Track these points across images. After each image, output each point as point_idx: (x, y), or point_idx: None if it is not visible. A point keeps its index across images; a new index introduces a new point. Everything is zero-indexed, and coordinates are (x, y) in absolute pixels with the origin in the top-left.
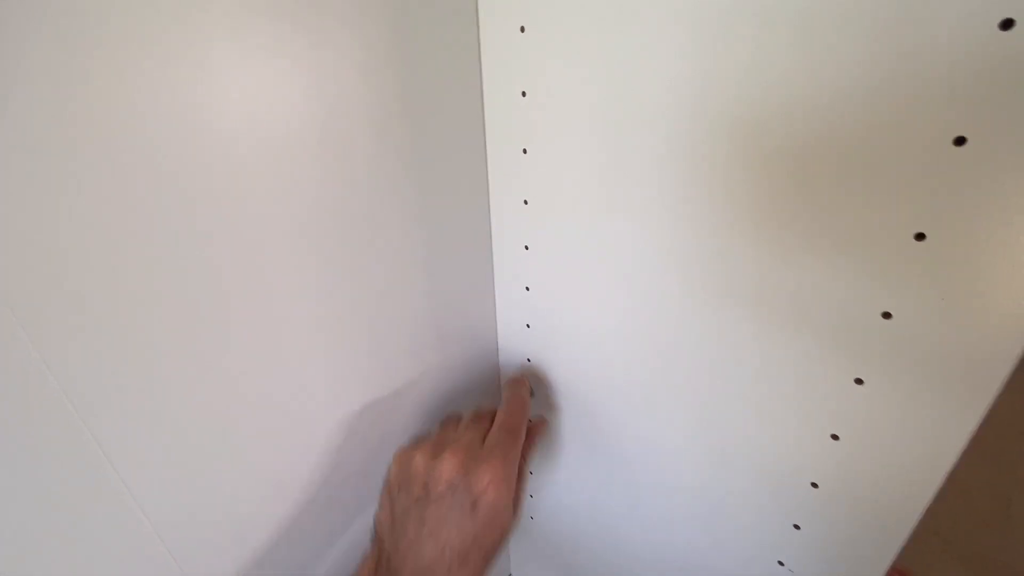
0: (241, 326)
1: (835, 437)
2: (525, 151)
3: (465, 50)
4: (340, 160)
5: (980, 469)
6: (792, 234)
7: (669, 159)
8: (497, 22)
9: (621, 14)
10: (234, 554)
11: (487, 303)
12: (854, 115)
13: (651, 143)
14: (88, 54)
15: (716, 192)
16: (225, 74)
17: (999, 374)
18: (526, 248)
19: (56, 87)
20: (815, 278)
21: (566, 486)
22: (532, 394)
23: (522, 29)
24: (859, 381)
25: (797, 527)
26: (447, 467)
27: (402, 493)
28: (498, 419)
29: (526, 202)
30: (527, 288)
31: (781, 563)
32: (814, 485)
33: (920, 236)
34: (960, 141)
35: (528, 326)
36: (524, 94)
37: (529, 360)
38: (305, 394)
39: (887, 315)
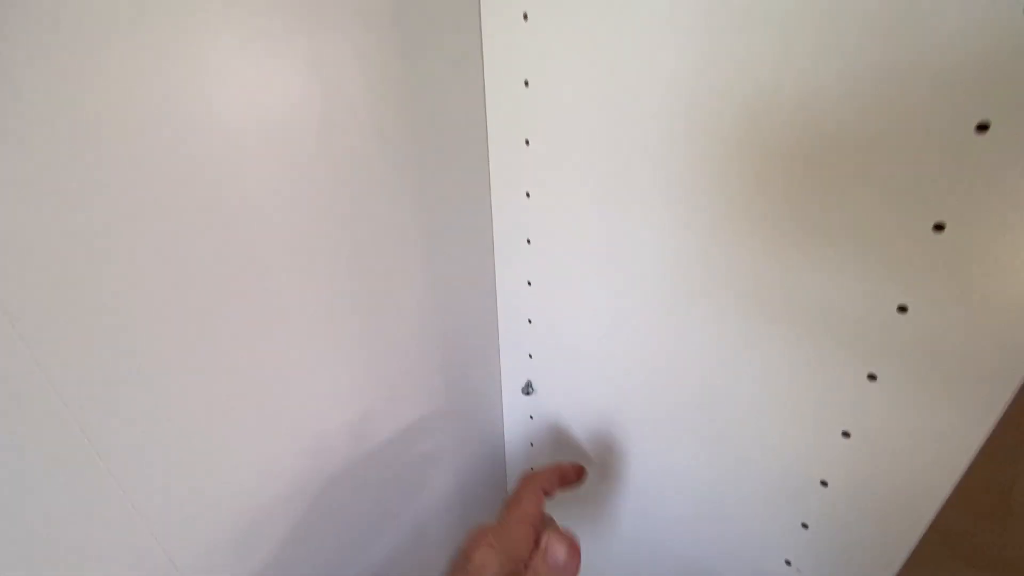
0: (241, 326)
1: (846, 434)
2: (527, 142)
3: (466, 38)
4: (339, 152)
5: (979, 463)
6: (804, 225)
7: (677, 147)
8: (499, 8)
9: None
10: (231, 559)
11: (488, 298)
12: (869, 101)
13: (657, 132)
14: (80, 65)
15: (728, 183)
16: (225, 65)
17: (1019, 371)
18: (528, 242)
19: (48, 96)
20: (827, 270)
21: None
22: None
23: (525, 16)
24: (872, 377)
25: (805, 526)
26: None
27: None
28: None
29: (528, 194)
30: (529, 283)
31: (788, 562)
32: (823, 483)
33: (939, 227)
34: (983, 127)
35: (530, 321)
36: (527, 83)
37: (531, 356)
38: (305, 395)
39: (903, 308)
